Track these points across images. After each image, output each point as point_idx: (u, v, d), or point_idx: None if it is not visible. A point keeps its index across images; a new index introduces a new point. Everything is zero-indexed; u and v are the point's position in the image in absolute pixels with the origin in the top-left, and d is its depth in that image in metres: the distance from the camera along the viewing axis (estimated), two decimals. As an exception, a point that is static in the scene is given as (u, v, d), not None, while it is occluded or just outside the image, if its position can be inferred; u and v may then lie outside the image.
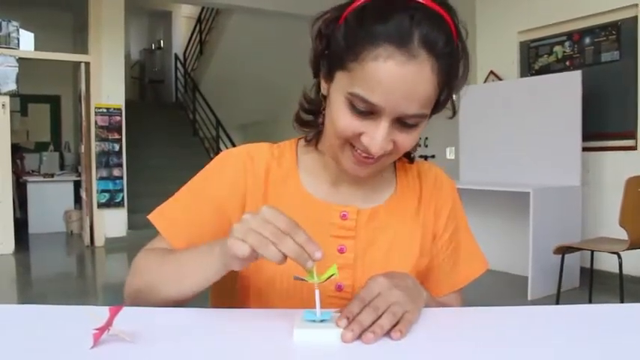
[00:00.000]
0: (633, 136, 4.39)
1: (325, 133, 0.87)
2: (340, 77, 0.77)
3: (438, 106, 0.81)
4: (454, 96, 0.83)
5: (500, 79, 5.36)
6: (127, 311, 0.66)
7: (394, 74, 0.71)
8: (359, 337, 0.64)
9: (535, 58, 5.14)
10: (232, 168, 0.90)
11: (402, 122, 0.76)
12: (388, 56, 0.71)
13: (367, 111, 0.75)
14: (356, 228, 0.88)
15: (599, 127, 4.55)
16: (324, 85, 0.83)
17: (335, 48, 0.77)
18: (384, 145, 0.76)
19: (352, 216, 0.88)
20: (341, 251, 0.87)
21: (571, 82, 4.40)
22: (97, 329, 0.63)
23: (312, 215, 0.87)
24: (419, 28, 0.71)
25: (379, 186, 0.93)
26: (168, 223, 0.88)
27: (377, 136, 0.75)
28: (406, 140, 0.78)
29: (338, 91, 0.78)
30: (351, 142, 0.79)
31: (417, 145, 0.90)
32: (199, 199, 0.90)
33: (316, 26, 0.81)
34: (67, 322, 0.73)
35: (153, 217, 0.89)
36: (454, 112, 0.86)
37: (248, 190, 0.89)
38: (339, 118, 0.77)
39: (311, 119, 0.90)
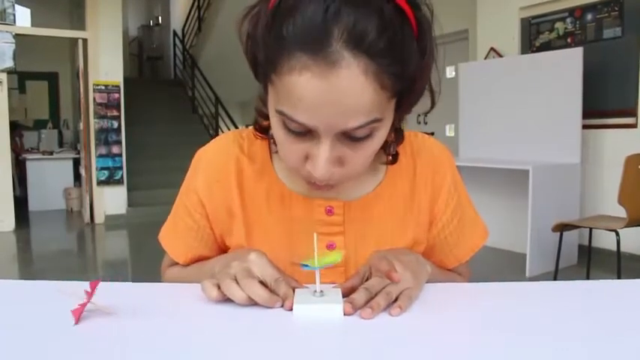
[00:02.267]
0: (634, 114, 4.37)
1: None
2: (270, 91, 0.66)
3: (403, 107, 0.68)
4: (432, 85, 0.69)
5: (500, 56, 5.31)
6: (104, 286, 0.65)
7: (313, 89, 0.58)
8: (361, 307, 0.64)
9: (536, 34, 5.08)
10: (203, 171, 0.85)
11: (348, 136, 0.64)
12: (303, 67, 0.58)
13: (302, 131, 0.64)
14: (344, 223, 0.81)
15: (599, 104, 4.52)
16: (264, 95, 0.70)
17: (258, 55, 0.64)
18: (328, 168, 0.65)
19: (338, 210, 0.81)
20: (330, 248, 0.81)
21: (572, 59, 4.37)
22: (79, 305, 0.61)
23: (294, 213, 0.82)
24: (337, 24, 0.57)
25: (366, 172, 0.83)
26: (168, 242, 0.91)
27: (318, 160, 0.65)
28: (357, 157, 0.67)
29: (271, 107, 0.67)
30: (301, 171, 0.70)
31: (398, 141, 0.80)
32: (187, 211, 0.86)
33: (244, 28, 0.66)
34: (53, 297, 0.73)
35: (160, 237, 0.92)
36: (432, 104, 0.71)
37: (223, 190, 0.83)
38: (279, 142, 0.69)
39: None
